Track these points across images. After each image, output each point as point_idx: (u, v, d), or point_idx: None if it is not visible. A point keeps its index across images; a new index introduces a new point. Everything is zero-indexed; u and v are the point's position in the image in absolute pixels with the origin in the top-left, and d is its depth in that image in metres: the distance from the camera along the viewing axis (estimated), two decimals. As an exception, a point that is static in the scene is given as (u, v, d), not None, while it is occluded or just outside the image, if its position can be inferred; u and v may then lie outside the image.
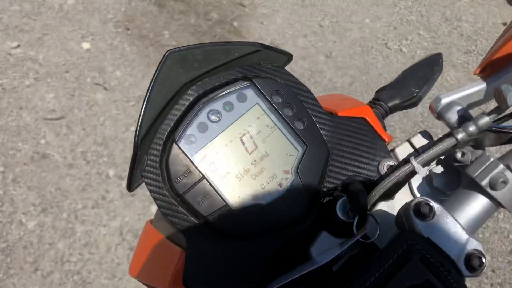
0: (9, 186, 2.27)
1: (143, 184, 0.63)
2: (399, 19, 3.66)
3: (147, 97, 0.59)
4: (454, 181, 0.67)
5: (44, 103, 2.58)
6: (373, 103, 0.76)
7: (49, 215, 2.23)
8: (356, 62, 3.23)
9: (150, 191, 0.62)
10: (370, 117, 0.69)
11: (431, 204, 0.54)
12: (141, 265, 0.71)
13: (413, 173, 0.60)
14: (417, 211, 0.54)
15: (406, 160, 0.62)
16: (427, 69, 0.76)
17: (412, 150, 0.69)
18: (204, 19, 3.33)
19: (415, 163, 0.59)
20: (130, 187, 0.61)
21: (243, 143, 0.65)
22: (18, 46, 2.83)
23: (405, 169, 0.60)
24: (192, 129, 0.64)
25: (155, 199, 0.62)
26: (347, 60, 3.30)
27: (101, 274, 2.07)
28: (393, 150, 0.70)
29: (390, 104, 0.74)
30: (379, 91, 0.76)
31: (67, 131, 2.49)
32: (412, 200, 0.55)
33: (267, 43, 3.27)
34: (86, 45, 2.91)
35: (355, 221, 0.58)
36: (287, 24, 3.45)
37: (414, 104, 0.76)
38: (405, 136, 2.89)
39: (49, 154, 2.40)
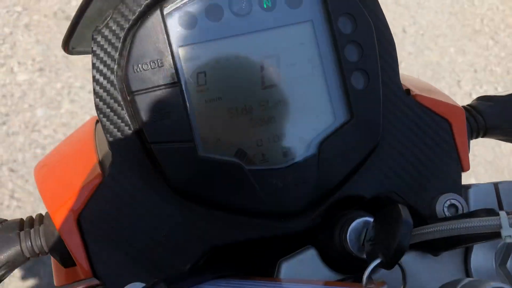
0: (19, 29, 2.07)
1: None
2: (483, 64, 3.32)
3: None
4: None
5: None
6: (467, 110, 0.50)
7: (43, 77, 2.03)
8: (421, 83, 2.94)
9: (94, 66, 0.38)
10: (458, 124, 0.44)
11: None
12: (50, 164, 0.48)
13: (495, 235, 0.35)
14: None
15: (490, 212, 0.37)
16: None
17: (495, 199, 0.44)
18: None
19: (505, 222, 0.34)
20: (68, 45, 0.38)
21: (262, 68, 0.41)
22: None
23: (486, 224, 0.35)
24: (197, 8, 0.40)
25: (95, 81, 0.38)
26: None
27: (64, 161, 1.89)
28: (468, 187, 0.44)
29: (489, 124, 0.48)
30: (480, 100, 0.50)
31: (103, 5, 2.27)
32: (479, 281, 0.31)
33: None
34: None
35: (373, 264, 0.34)
36: (372, 12, 3.14)
37: None
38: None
39: (74, 18, 2.18)
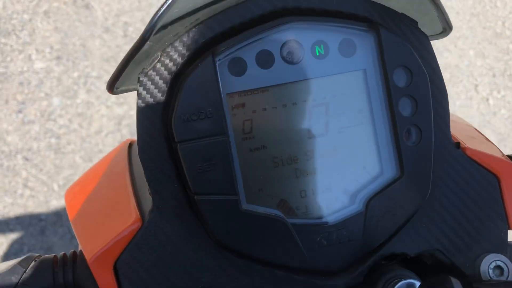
0: (38, 16, 2.05)
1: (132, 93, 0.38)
2: (503, 69, 3.27)
3: None
4: None
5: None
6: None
7: (60, 66, 2.02)
8: (439, 87, 2.90)
9: (139, 110, 0.37)
10: (507, 181, 0.42)
11: None
12: (81, 198, 0.47)
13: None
14: None
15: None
16: None
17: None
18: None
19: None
20: (113, 85, 0.36)
21: (310, 117, 0.39)
22: None
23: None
24: (248, 54, 0.38)
25: (140, 124, 0.37)
26: (431, 80, 2.96)
27: (79, 151, 1.89)
28: (514, 246, 0.43)
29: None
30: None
31: (123, -6, 2.24)
32: None
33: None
34: None
35: None
36: (393, 11, 3.09)
37: None
38: None
39: (93, 7, 2.17)
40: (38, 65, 2.01)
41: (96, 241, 0.40)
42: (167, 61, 0.38)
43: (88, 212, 0.44)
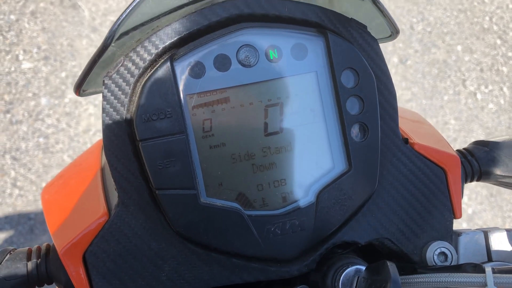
0: (25, 16, 2.06)
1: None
2: (490, 64, 3.31)
3: None
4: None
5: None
6: (463, 155, 0.52)
7: (48, 66, 2.03)
8: (425, 83, 2.94)
9: (104, 111, 0.40)
10: (453, 174, 0.45)
11: None
12: (56, 194, 0.49)
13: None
14: None
15: (477, 267, 0.39)
16: None
17: (484, 246, 0.46)
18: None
19: (491, 281, 0.36)
20: (80, 87, 0.39)
21: (266, 116, 0.42)
22: None
23: (472, 280, 0.37)
24: (206, 58, 0.41)
25: (105, 125, 0.40)
26: (418, 76, 3.00)
27: (67, 150, 1.90)
28: (459, 234, 0.46)
29: (485, 169, 0.50)
30: (477, 144, 0.52)
31: (110, -7, 2.25)
32: None
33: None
34: None
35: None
36: (380, 8, 3.10)
37: None
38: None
39: (80, 7, 2.18)
40: (26, 65, 2.02)
41: (66, 235, 0.42)
42: (130, 65, 0.40)
43: (61, 207, 0.47)
